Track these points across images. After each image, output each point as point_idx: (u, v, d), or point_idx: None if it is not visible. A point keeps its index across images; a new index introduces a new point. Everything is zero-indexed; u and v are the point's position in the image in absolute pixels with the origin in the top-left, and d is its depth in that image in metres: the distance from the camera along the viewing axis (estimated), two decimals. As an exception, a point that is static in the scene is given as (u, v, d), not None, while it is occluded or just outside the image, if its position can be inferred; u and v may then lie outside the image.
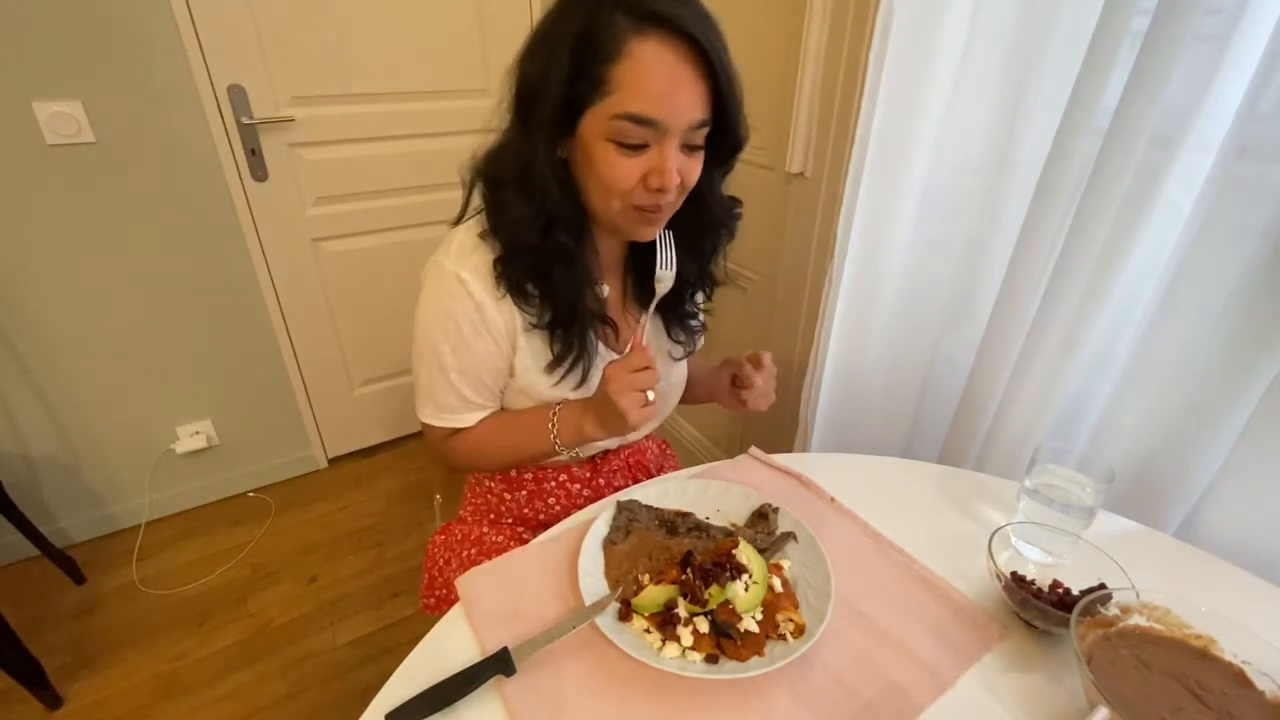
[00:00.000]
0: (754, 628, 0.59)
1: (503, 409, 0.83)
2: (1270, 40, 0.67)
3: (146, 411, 1.70)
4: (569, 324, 0.74)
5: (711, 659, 0.57)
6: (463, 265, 0.71)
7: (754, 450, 0.88)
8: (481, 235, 0.72)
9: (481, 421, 0.81)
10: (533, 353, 0.76)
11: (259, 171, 1.61)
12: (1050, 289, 0.89)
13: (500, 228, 0.70)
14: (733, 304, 1.64)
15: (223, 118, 1.52)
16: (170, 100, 1.45)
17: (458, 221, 0.75)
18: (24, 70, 1.31)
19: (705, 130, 0.65)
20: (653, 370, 0.68)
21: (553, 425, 0.75)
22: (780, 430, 1.38)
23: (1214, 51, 0.70)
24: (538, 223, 0.67)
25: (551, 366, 0.76)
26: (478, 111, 1.83)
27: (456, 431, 0.81)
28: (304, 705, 1.35)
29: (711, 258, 0.83)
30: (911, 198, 1.01)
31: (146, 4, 1.36)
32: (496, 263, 0.70)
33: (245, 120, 1.54)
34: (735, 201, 0.80)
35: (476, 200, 0.73)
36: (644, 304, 0.82)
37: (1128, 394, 0.88)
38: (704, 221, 0.77)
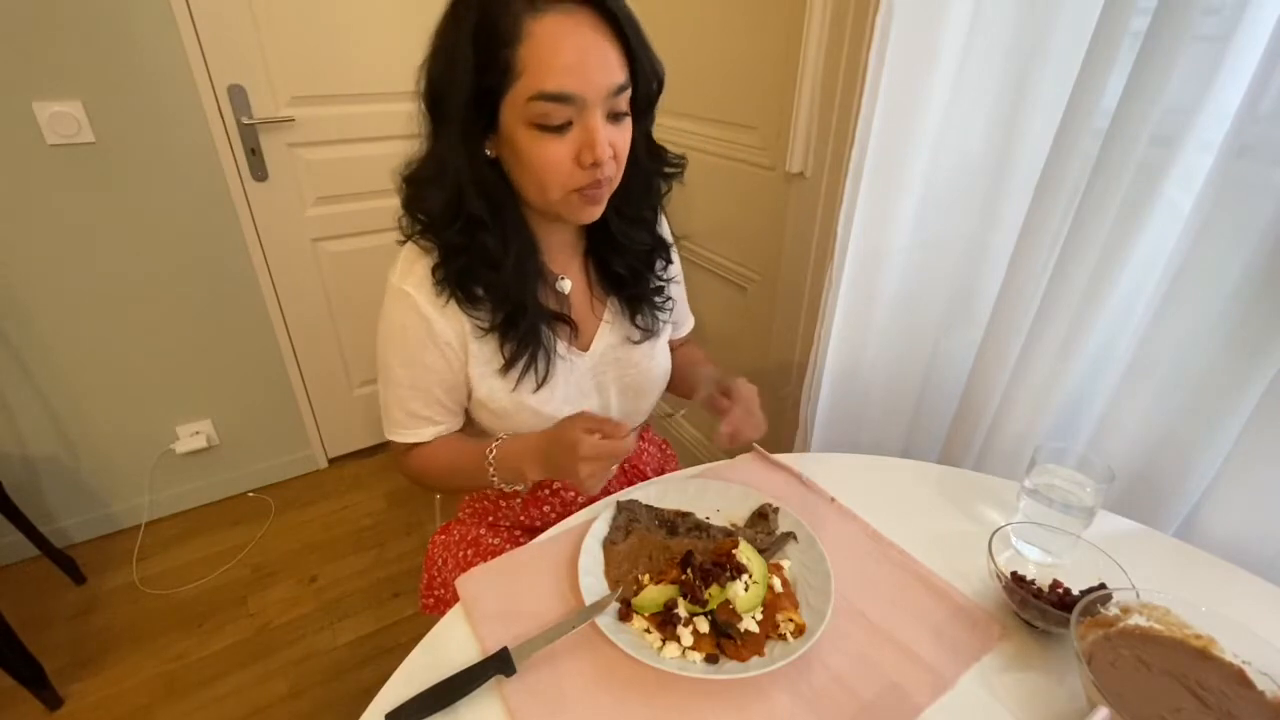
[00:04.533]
0: (754, 628, 0.59)
1: (459, 431, 0.82)
2: (1270, 40, 0.67)
3: (146, 411, 1.70)
4: (515, 323, 0.72)
5: (711, 659, 0.57)
6: (406, 280, 0.70)
7: (755, 449, 0.88)
8: (424, 247, 0.71)
9: (434, 441, 0.79)
10: (485, 358, 0.74)
11: (259, 171, 1.61)
12: (1050, 289, 0.89)
13: (426, 232, 0.69)
14: (733, 304, 1.64)
15: (223, 118, 1.52)
16: (170, 100, 1.45)
17: (404, 240, 0.73)
18: (24, 70, 1.31)
19: (627, 94, 0.63)
20: (628, 441, 0.65)
21: (490, 459, 0.72)
22: (780, 430, 1.38)
23: (1214, 51, 0.70)
24: (458, 223, 0.66)
25: (505, 369, 0.74)
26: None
27: (412, 447, 0.80)
28: (304, 705, 1.35)
29: (656, 221, 0.81)
30: (911, 198, 1.01)
31: (146, 4, 1.37)
32: (434, 270, 0.69)
33: (245, 120, 1.54)
34: (675, 156, 0.77)
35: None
36: (610, 290, 0.81)
37: (1128, 394, 0.88)
38: (641, 185, 0.75)
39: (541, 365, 0.75)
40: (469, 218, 0.66)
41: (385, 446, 2.12)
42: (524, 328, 0.72)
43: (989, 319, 1.00)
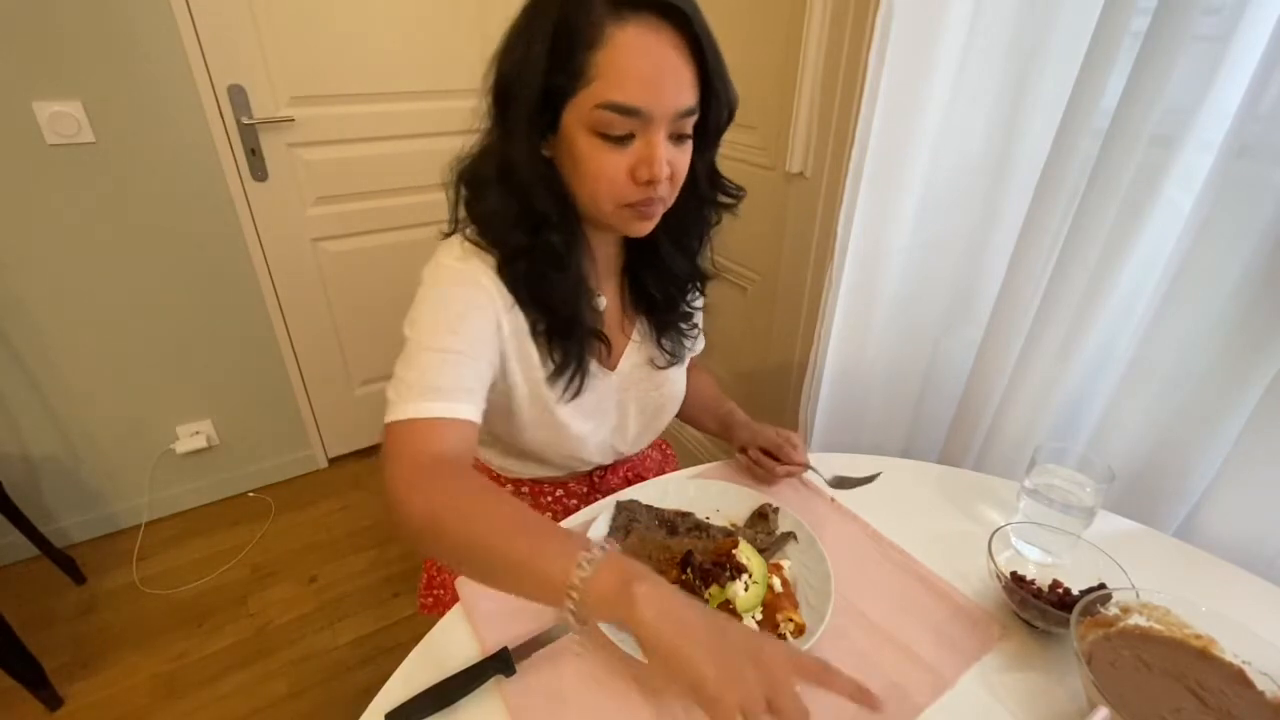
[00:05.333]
0: (754, 628, 0.59)
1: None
2: (1270, 40, 0.67)
3: (146, 411, 1.70)
4: (569, 331, 0.70)
5: (711, 659, 0.57)
6: (469, 263, 0.67)
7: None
8: (477, 244, 0.68)
9: (477, 470, 0.69)
10: (533, 361, 0.72)
11: (259, 171, 1.61)
12: (1050, 289, 0.89)
13: (488, 231, 0.67)
14: (733, 304, 1.64)
15: (223, 118, 1.52)
16: (170, 100, 1.45)
17: (450, 232, 0.71)
18: (24, 70, 1.31)
19: (694, 118, 0.61)
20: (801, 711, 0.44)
21: (589, 558, 0.47)
22: (780, 430, 1.38)
23: (1214, 51, 0.70)
24: (525, 223, 0.64)
25: (553, 376, 0.72)
26: (478, 112, 1.85)
27: (434, 442, 0.59)
28: (304, 705, 1.34)
29: (700, 250, 0.79)
30: (911, 197, 1.01)
31: (146, 4, 1.36)
32: (499, 269, 0.67)
33: (245, 120, 1.54)
34: (735, 187, 0.75)
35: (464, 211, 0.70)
36: (640, 311, 0.80)
37: (1128, 394, 0.88)
38: (694, 211, 0.73)
39: (579, 377, 0.73)
40: (537, 217, 0.64)
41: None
42: (576, 336, 0.71)
43: (989, 319, 1.00)
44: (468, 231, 0.68)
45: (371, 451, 2.12)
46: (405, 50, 1.66)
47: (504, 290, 0.67)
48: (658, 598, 0.45)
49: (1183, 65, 0.71)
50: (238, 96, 1.52)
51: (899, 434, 1.23)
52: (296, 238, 1.72)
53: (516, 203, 0.64)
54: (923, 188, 1.00)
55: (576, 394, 0.74)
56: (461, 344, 0.64)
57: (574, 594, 0.46)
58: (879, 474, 0.83)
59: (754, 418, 0.88)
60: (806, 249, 1.35)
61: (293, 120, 1.59)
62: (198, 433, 1.78)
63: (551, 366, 0.72)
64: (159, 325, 1.63)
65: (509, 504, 0.54)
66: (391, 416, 0.59)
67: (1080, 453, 0.75)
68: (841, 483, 0.82)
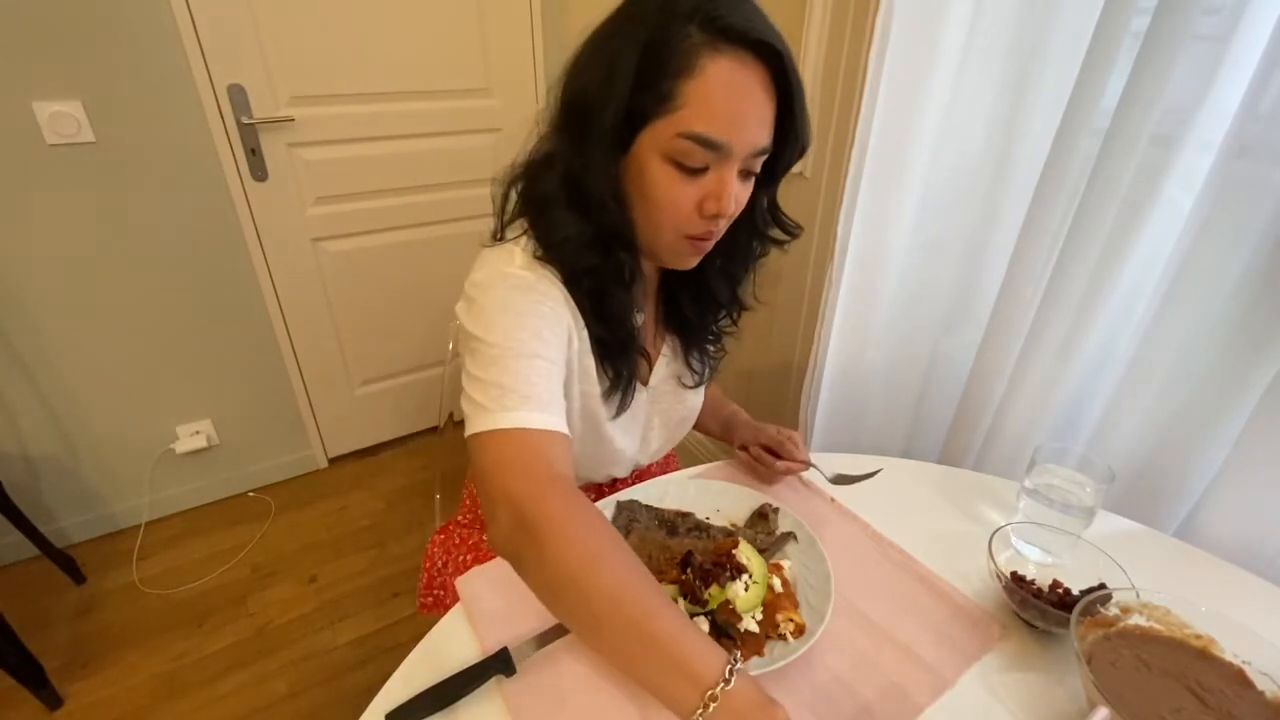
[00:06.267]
0: (754, 628, 0.59)
1: None
2: (1270, 40, 0.67)
3: (146, 411, 1.70)
4: (624, 350, 0.70)
5: (711, 659, 0.57)
6: (536, 272, 0.64)
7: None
8: (536, 256, 0.65)
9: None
10: (590, 377, 0.71)
11: (259, 171, 1.61)
12: (1050, 289, 0.89)
13: (553, 249, 0.64)
14: (733, 304, 1.64)
15: (223, 117, 1.52)
16: (170, 100, 1.45)
17: (497, 238, 0.68)
18: (24, 70, 1.31)
19: (765, 157, 0.61)
20: None
21: (730, 676, 0.43)
22: (780, 430, 1.38)
23: (1214, 51, 0.70)
24: (598, 244, 0.63)
25: (607, 393, 0.72)
26: (478, 111, 1.87)
27: (556, 480, 0.53)
28: (304, 705, 1.34)
29: (744, 280, 0.79)
30: (911, 198, 1.01)
31: (146, 4, 1.36)
32: (567, 283, 0.65)
33: (245, 120, 1.54)
34: (794, 225, 0.75)
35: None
36: (672, 331, 0.81)
37: (1128, 394, 0.88)
38: (745, 242, 0.73)
39: (629, 394, 0.73)
40: (609, 238, 0.63)
41: (385, 446, 2.14)
42: (630, 353, 0.71)
43: (989, 319, 1.00)
44: (523, 243, 0.65)
45: (371, 451, 2.12)
46: (405, 50, 1.66)
47: (573, 305, 0.66)
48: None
49: (1183, 65, 0.71)
50: (238, 96, 1.52)
51: (899, 434, 1.23)
52: (296, 238, 1.72)
53: (591, 225, 0.62)
54: (923, 188, 1.00)
55: (620, 410, 0.75)
56: (550, 353, 0.61)
57: (713, 701, 0.43)
58: (880, 470, 0.84)
59: (754, 418, 0.89)
60: (806, 249, 1.35)
61: (293, 120, 1.59)
62: (198, 433, 1.78)
63: (606, 383, 0.72)
64: (159, 325, 1.63)
65: (643, 567, 0.51)
66: (492, 424, 0.55)
67: (1080, 453, 0.75)
68: (842, 479, 0.82)
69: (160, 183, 1.51)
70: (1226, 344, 0.77)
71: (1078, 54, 0.81)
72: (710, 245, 0.66)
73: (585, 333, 0.68)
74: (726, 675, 0.43)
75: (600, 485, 0.91)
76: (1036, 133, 0.93)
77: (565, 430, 0.58)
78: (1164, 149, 0.75)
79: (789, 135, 0.61)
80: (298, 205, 1.69)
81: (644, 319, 0.76)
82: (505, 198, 0.67)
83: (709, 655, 0.45)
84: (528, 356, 0.58)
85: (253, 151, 1.58)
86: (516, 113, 1.86)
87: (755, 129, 0.58)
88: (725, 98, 0.55)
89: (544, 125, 0.63)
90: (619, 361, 0.70)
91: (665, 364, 0.81)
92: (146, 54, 1.40)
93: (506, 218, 0.68)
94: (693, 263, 0.67)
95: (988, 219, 1.03)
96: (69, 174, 1.41)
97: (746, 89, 0.56)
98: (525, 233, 0.66)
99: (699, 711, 0.43)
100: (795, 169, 1.28)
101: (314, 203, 1.71)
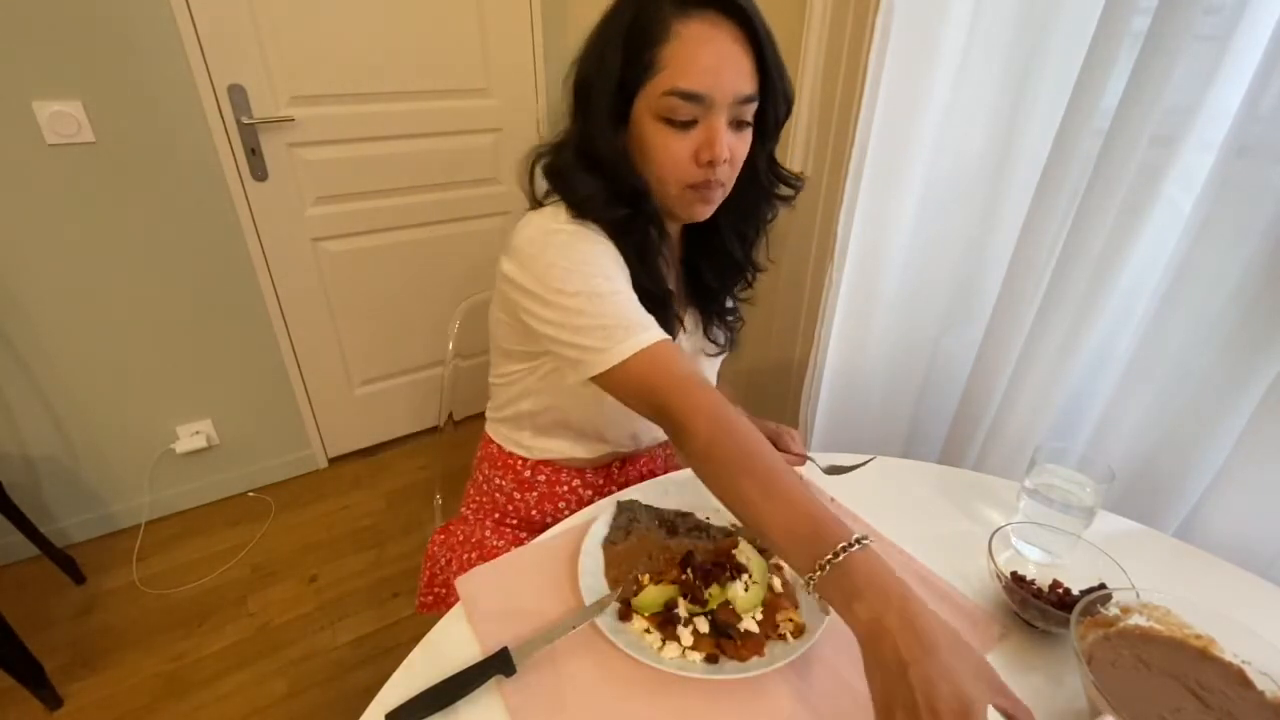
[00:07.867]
0: (754, 628, 0.59)
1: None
2: (1270, 40, 0.67)
3: (146, 411, 1.70)
4: (665, 305, 0.73)
5: (711, 659, 0.57)
6: (584, 225, 0.69)
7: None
8: (575, 218, 0.70)
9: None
10: None
11: (259, 171, 1.61)
12: (1050, 289, 0.89)
13: (580, 205, 0.70)
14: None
15: (223, 117, 1.52)
16: (170, 100, 1.45)
17: (536, 204, 0.74)
18: (24, 70, 1.31)
19: (753, 106, 0.66)
20: None
21: (858, 541, 0.48)
22: (780, 430, 1.38)
23: (1214, 51, 0.70)
24: (619, 199, 0.68)
25: None
26: (478, 111, 1.86)
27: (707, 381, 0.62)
28: (304, 705, 1.34)
29: (757, 241, 0.83)
30: (911, 197, 1.01)
31: (146, 4, 1.36)
32: (612, 237, 0.70)
33: (245, 120, 1.54)
34: (794, 176, 0.78)
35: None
36: (694, 300, 0.84)
37: (1128, 394, 0.88)
38: (752, 201, 0.77)
39: None
40: (627, 190, 0.68)
41: (385, 446, 2.14)
42: (670, 309, 0.74)
43: (989, 319, 1.00)
44: (563, 207, 0.71)
45: (371, 451, 2.12)
46: (405, 50, 1.66)
47: (619, 256, 0.71)
48: (917, 605, 0.45)
49: (1183, 65, 0.71)
50: (238, 96, 1.52)
51: (899, 433, 1.23)
52: (296, 238, 1.72)
53: (605, 181, 0.68)
54: (923, 188, 1.00)
55: None
56: (622, 285, 0.68)
57: (836, 558, 0.47)
58: (873, 458, 0.84)
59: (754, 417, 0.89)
60: (806, 249, 1.35)
61: (293, 120, 1.59)
62: (198, 433, 1.78)
63: None
64: (159, 325, 1.63)
65: (770, 458, 0.57)
66: (636, 346, 0.62)
67: (1080, 453, 0.75)
68: (835, 470, 0.82)
69: (160, 183, 1.51)
70: (1226, 344, 0.77)
71: (1078, 54, 0.81)
72: (716, 194, 0.70)
73: (630, 285, 0.71)
74: (859, 539, 0.47)
75: (608, 467, 0.91)
76: (1036, 133, 0.93)
77: (660, 336, 0.64)
78: (1164, 149, 0.75)
79: (770, 86, 0.67)
80: (298, 205, 1.69)
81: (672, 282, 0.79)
82: (531, 173, 0.73)
83: (840, 525, 0.50)
84: (610, 294, 0.65)
85: (253, 151, 1.58)
86: (516, 113, 1.86)
87: (732, 77, 0.63)
88: (699, 54, 0.62)
89: (562, 118, 0.71)
90: (660, 316, 0.72)
91: (686, 338, 0.84)
92: (147, 54, 1.40)
93: (536, 190, 0.74)
94: (705, 212, 0.71)
95: (988, 218, 1.03)
96: (69, 174, 1.41)
97: (717, 43, 0.62)
98: (558, 203, 0.72)
99: (820, 567, 0.48)
100: (795, 168, 1.29)
101: (314, 203, 1.71)
